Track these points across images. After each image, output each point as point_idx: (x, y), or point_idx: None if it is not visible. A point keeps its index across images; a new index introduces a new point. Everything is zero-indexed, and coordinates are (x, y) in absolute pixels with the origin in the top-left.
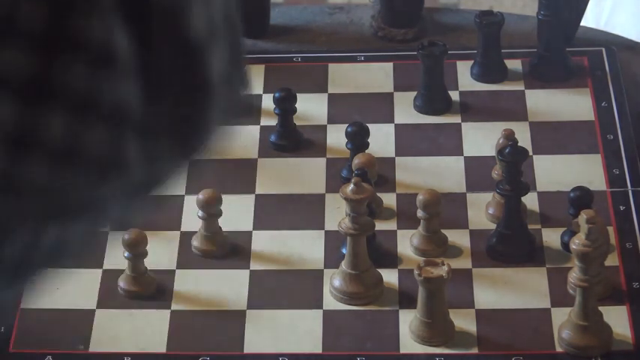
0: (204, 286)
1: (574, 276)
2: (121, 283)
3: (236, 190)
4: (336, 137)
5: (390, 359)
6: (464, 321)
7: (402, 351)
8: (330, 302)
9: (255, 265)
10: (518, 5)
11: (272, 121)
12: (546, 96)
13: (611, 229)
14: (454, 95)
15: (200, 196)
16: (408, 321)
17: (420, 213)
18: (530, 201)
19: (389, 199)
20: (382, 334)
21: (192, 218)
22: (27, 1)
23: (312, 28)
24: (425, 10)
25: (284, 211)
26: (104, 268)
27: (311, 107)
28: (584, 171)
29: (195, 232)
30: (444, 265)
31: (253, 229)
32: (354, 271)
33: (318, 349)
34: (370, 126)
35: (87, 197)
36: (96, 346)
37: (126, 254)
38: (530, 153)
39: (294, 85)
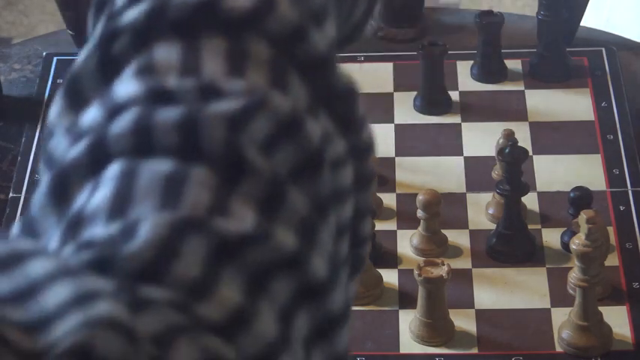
0: None
1: (574, 276)
2: None
3: None
4: None
5: (390, 359)
6: (464, 321)
7: (402, 351)
8: None
9: None
10: (518, 5)
11: None
12: (546, 96)
13: (611, 229)
14: (454, 95)
15: None
16: (408, 321)
17: (420, 213)
18: (530, 201)
19: (389, 199)
20: (382, 334)
21: None
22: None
23: None
24: (425, 10)
25: None
26: None
27: None
28: (584, 171)
29: None
30: (444, 265)
31: None
32: None
33: None
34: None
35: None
36: None
37: None
38: (530, 153)
39: None
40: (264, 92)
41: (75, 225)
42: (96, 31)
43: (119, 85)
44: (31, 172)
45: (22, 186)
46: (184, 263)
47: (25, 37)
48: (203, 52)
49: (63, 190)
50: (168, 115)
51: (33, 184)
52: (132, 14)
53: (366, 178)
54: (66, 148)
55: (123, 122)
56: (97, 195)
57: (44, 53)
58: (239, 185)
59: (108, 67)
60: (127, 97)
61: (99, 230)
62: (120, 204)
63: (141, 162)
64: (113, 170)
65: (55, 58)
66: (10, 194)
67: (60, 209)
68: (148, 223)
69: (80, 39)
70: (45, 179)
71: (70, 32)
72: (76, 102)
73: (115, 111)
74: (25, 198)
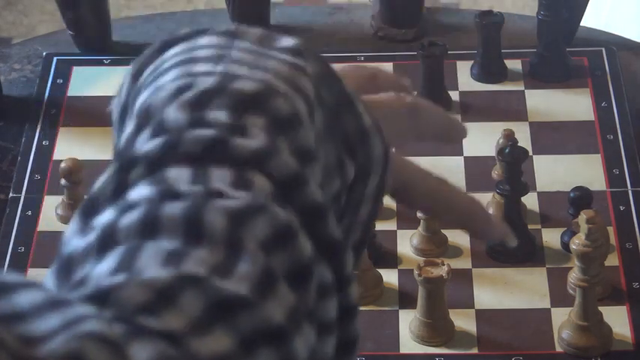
0: None
1: (574, 276)
2: None
3: None
4: None
5: (390, 359)
6: (464, 321)
7: (402, 351)
8: None
9: None
10: (518, 5)
11: None
12: (546, 96)
13: (611, 229)
14: (454, 95)
15: None
16: (408, 321)
17: (420, 213)
18: (530, 201)
19: (389, 199)
20: (382, 334)
21: None
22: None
23: (312, 28)
24: (425, 10)
25: None
26: None
27: None
28: (584, 171)
29: None
30: (444, 265)
31: None
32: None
33: None
34: None
35: None
36: None
37: None
38: (530, 153)
39: None
40: (265, 199)
41: (78, 283)
42: (115, 161)
43: (133, 192)
44: (31, 172)
45: (22, 186)
46: (180, 311)
47: (25, 37)
48: (210, 172)
49: (68, 269)
50: (174, 206)
51: (33, 184)
52: (148, 146)
53: (350, 311)
54: (78, 242)
55: (133, 215)
56: (102, 264)
57: (44, 53)
58: (236, 266)
59: (123, 190)
60: (138, 198)
61: (103, 279)
62: (125, 266)
63: (146, 241)
64: (119, 249)
65: (55, 58)
66: (10, 194)
67: (63, 282)
68: (151, 272)
69: (80, 39)
70: (54, 265)
71: (70, 32)
72: (91, 215)
73: (126, 209)
74: (25, 198)
